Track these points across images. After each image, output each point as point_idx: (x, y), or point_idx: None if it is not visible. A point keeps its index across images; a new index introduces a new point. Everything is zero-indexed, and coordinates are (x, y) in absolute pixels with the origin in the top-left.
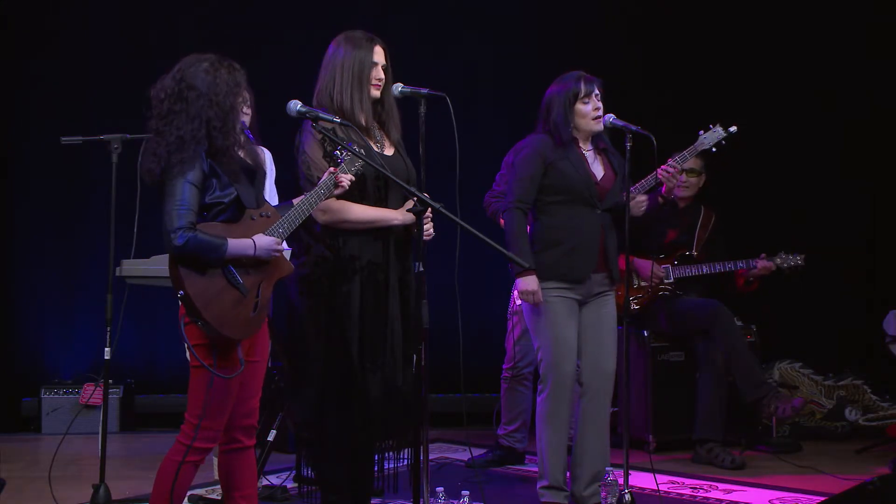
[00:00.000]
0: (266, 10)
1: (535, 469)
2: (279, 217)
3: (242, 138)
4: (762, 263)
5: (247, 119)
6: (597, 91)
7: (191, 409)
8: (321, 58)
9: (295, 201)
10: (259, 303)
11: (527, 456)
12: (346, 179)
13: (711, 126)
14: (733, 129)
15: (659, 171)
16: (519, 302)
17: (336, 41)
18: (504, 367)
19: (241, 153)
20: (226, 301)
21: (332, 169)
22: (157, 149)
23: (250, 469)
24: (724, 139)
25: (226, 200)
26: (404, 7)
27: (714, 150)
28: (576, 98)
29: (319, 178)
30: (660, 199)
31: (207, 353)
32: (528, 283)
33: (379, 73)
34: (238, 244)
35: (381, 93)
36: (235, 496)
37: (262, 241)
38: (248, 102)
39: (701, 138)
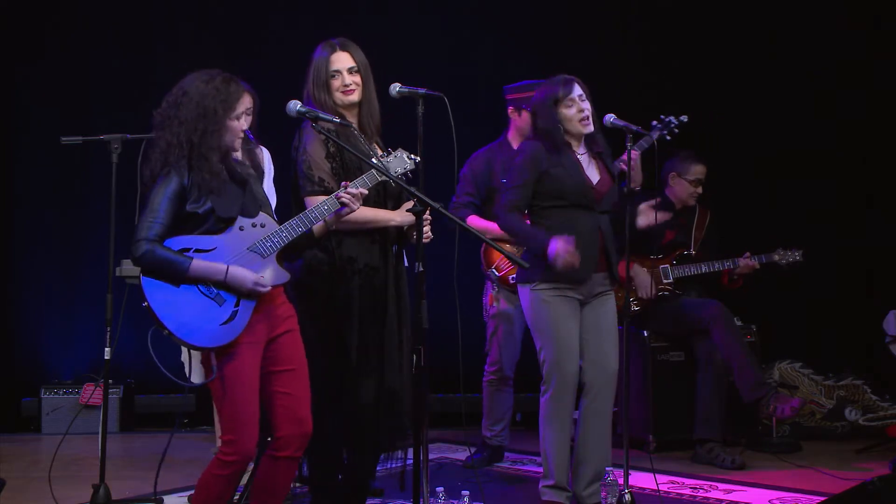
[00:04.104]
0: (266, 9)
1: (534, 469)
2: (275, 227)
3: (239, 142)
4: (744, 262)
5: (246, 124)
6: (579, 92)
7: None
8: None
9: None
10: (236, 313)
11: (507, 454)
12: (347, 198)
13: (663, 116)
14: (684, 117)
15: (622, 163)
16: (495, 304)
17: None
18: (487, 369)
19: (237, 156)
20: (192, 310)
21: (345, 183)
22: (151, 154)
23: (282, 479)
24: (675, 127)
25: (199, 212)
26: (404, 7)
27: (669, 138)
28: (556, 102)
29: (319, 178)
30: None
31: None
32: (562, 244)
33: (344, 80)
34: (205, 268)
35: (359, 95)
36: (256, 498)
37: (238, 273)
38: (248, 112)
39: (654, 127)
